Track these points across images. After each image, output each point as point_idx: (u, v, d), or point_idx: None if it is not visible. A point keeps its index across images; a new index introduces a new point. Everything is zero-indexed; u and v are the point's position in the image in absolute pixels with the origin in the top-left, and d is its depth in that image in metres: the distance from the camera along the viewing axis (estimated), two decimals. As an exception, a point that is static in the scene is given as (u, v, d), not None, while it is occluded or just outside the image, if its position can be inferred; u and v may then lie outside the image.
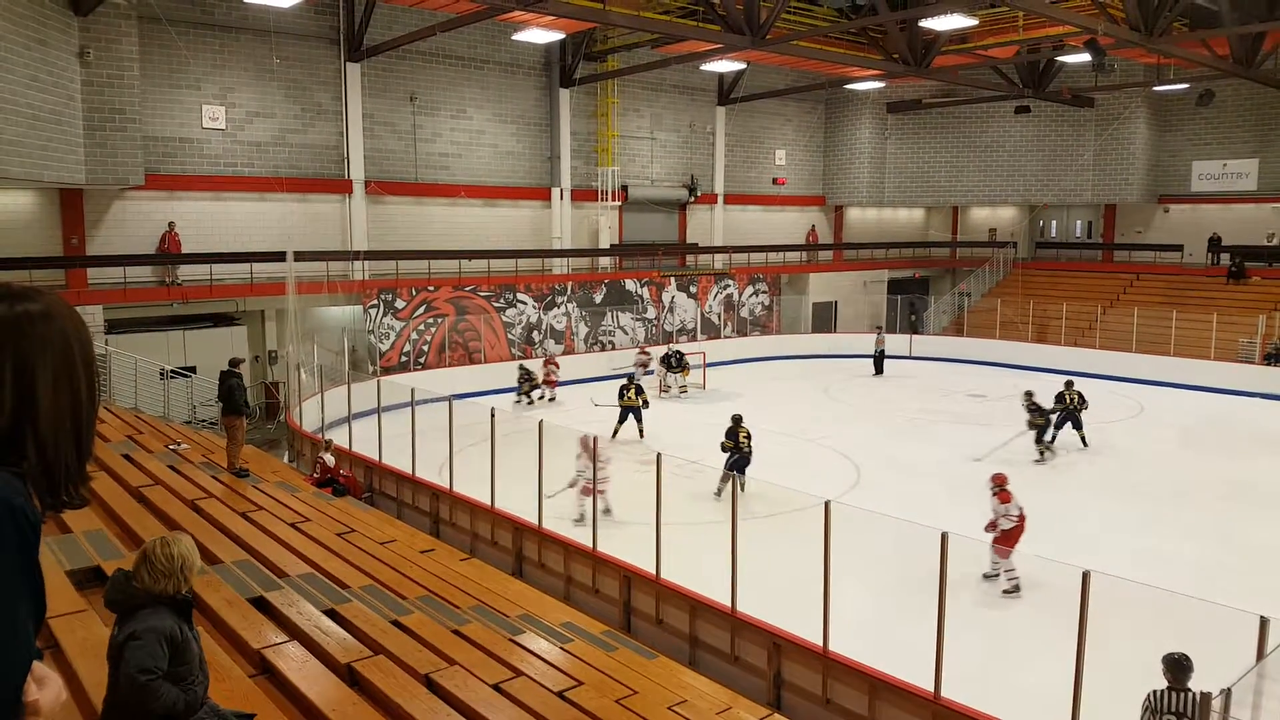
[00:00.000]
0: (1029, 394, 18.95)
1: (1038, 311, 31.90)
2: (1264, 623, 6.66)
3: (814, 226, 37.57)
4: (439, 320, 26.36)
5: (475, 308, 27.11)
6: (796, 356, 32.39)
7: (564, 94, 29.32)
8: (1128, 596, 7.59)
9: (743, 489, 14.72)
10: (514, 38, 25.41)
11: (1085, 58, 23.88)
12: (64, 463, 1.55)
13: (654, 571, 10.62)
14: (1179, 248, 34.56)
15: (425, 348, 26.19)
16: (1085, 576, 7.24)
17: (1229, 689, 5.92)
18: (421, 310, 26.04)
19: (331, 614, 6.65)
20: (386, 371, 23.85)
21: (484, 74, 27.93)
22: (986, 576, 11.97)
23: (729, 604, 9.76)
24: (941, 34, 25.04)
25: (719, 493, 14.58)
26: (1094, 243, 38.00)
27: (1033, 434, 18.62)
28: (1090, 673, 7.32)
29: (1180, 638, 7.88)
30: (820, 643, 8.90)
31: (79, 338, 1.59)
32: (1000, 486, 12.06)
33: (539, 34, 24.16)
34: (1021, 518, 11.85)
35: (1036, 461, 18.39)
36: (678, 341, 29.88)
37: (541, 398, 24.33)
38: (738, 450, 15.15)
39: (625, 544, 11.42)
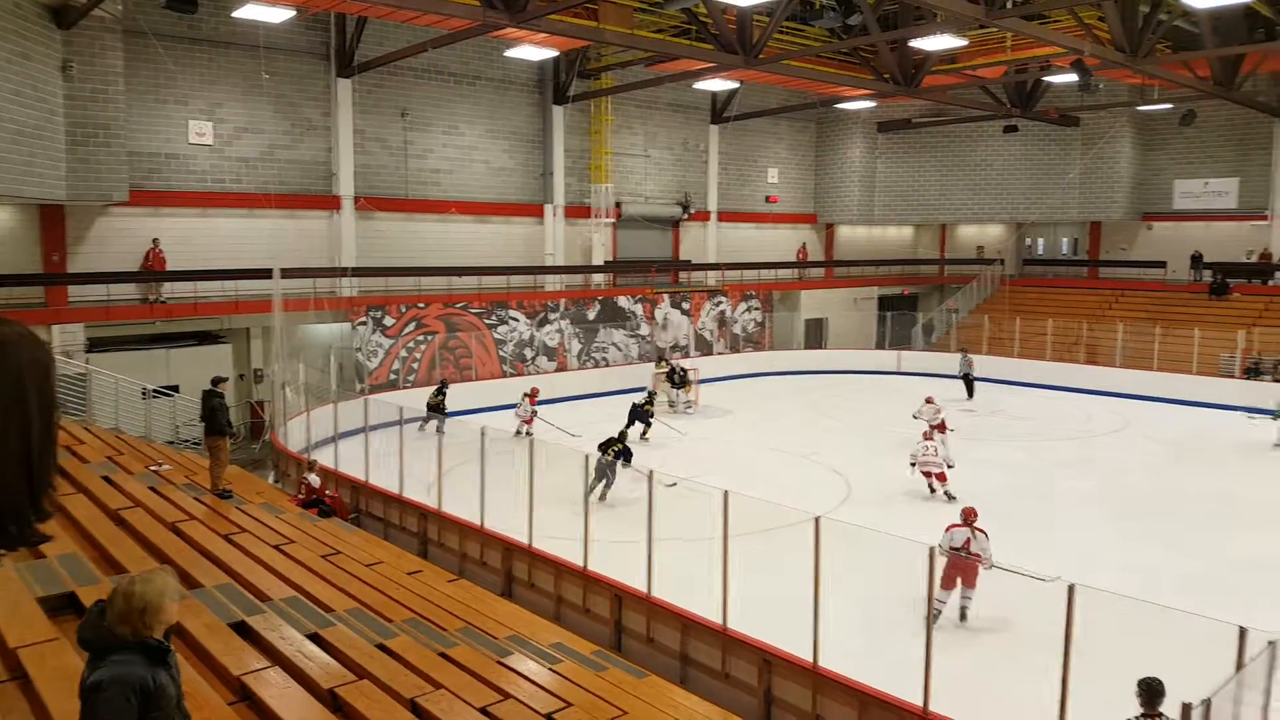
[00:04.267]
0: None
1: (1024, 328, 31.97)
2: (1243, 633, 6.75)
3: (804, 244, 37.63)
4: (429, 338, 26.22)
5: (466, 325, 26.98)
6: (789, 372, 32.38)
7: (557, 111, 29.32)
8: (1114, 610, 7.57)
9: (602, 499, 15.46)
10: (507, 54, 25.39)
11: (1072, 78, 24.13)
12: (13, 499, 1.46)
13: (645, 589, 10.51)
14: (1162, 264, 34.76)
15: (415, 365, 26.03)
16: (1070, 590, 7.29)
17: (1209, 699, 5.92)
18: (411, 327, 25.89)
19: (315, 638, 6.50)
20: (375, 390, 23.69)
21: (476, 90, 27.91)
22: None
23: (720, 621, 9.66)
24: (931, 54, 25.20)
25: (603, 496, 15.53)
26: (1080, 260, 38.17)
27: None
28: (1078, 686, 7.31)
29: (1166, 651, 7.87)
30: (810, 659, 8.82)
31: (34, 370, 1.49)
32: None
33: (532, 51, 24.16)
34: (959, 558, 10.92)
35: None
36: (675, 358, 29.79)
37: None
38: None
39: (617, 562, 11.29)
